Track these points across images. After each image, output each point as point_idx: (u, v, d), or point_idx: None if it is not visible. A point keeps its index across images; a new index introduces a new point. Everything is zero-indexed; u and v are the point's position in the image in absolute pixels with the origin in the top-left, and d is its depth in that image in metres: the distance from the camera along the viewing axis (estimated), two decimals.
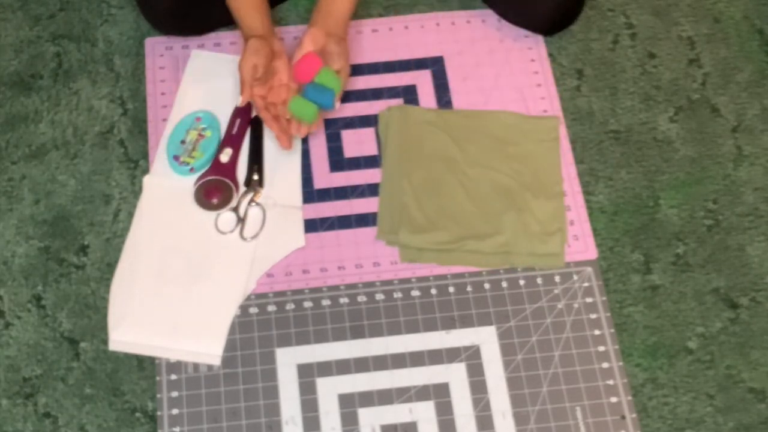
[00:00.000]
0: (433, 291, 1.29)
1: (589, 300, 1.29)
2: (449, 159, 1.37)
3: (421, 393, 1.23)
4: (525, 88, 1.46)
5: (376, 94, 1.44)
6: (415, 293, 1.29)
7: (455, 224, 1.31)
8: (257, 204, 1.34)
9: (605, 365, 1.25)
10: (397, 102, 1.43)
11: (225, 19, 1.46)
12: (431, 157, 1.37)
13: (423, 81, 1.46)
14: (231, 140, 1.37)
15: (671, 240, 1.35)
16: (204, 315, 1.26)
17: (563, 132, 1.42)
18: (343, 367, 1.24)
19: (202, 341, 1.25)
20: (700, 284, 1.32)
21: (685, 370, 1.26)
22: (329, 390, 1.23)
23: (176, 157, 1.35)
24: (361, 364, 1.24)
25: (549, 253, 1.30)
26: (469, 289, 1.30)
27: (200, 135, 1.37)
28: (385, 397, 1.23)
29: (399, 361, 1.25)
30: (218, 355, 1.24)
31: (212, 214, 1.33)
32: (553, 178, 1.36)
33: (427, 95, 1.45)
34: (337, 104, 1.33)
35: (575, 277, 1.31)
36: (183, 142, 1.36)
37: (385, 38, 1.50)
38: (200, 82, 1.43)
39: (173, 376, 1.23)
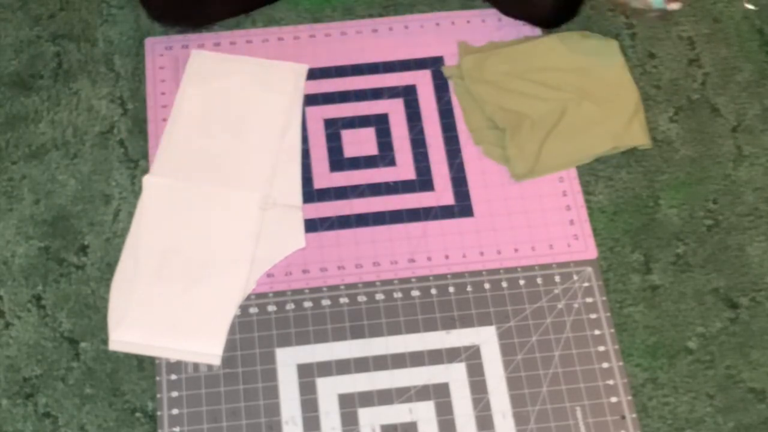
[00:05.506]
0: (433, 291, 1.29)
1: (589, 300, 1.29)
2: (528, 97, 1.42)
3: (421, 393, 1.23)
4: None
5: (376, 94, 1.45)
6: (415, 293, 1.29)
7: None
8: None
9: (605, 365, 1.25)
10: (397, 102, 1.44)
11: (226, 11, 1.46)
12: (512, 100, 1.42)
13: (423, 81, 1.46)
14: None
15: (671, 240, 1.35)
16: (204, 315, 1.26)
17: None
18: (343, 367, 1.24)
19: (202, 341, 1.25)
20: (700, 284, 1.32)
21: (685, 370, 1.26)
22: (329, 390, 1.23)
23: None
24: (361, 364, 1.24)
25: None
26: (469, 289, 1.30)
27: None
28: (385, 397, 1.23)
29: (399, 361, 1.25)
30: (218, 355, 1.24)
31: (212, 214, 1.33)
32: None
33: (427, 95, 1.45)
34: None
35: (575, 277, 1.31)
36: None
37: (385, 38, 1.49)
38: (200, 82, 1.43)
39: (173, 376, 1.23)
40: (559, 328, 1.27)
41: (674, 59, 1.50)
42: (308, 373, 1.24)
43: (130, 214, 1.34)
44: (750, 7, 1.50)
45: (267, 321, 1.27)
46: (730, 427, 1.23)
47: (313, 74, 1.46)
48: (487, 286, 1.30)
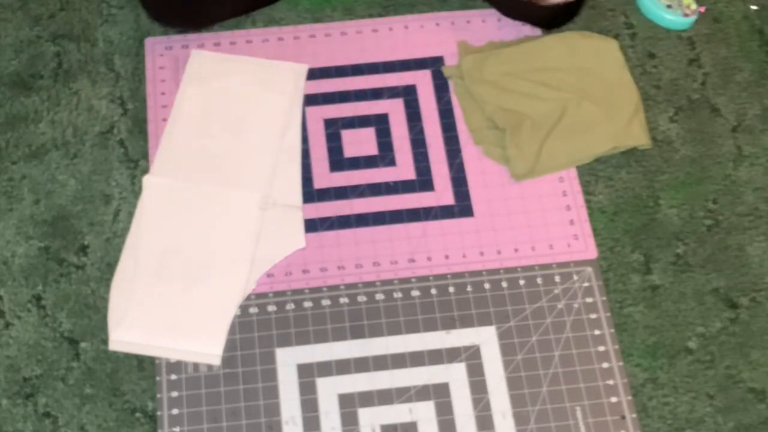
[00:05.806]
0: (433, 291, 1.29)
1: (589, 300, 1.29)
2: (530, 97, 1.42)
3: (421, 393, 1.23)
4: None
5: (376, 94, 1.45)
6: (415, 293, 1.29)
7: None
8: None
9: (605, 365, 1.25)
10: (397, 102, 1.44)
11: (226, 12, 1.46)
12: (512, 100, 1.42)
13: (423, 81, 1.46)
14: None
15: (671, 240, 1.35)
16: (204, 315, 1.26)
17: None
18: (343, 367, 1.24)
19: (202, 341, 1.25)
20: (700, 284, 1.32)
21: (685, 370, 1.26)
22: (329, 390, 1.23)
23: None
24: (361, 364, 1.24)
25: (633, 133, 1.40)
26: (469, 289, 1.30)
27: None
28: (385, 397, 1.23)
29: (399, 361, 1.25)
30: (218, 355, 1.24)
31: (212, 214, 1.33)
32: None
33: (427, 95, 1.45)
34: None
35: (575, 277, 1.31)
36: None
37: (385, 38, 1.50)
38: (200, 82, 1.43)
39: (173, 376, 1.23)
40: (559, 328, 1.27)
41: (674, 59, 1.50)
42: (308, 373, 1.24)
43: (130, 214, 1.34)
44: (754, 7, 1.50)
45: (267, 321, 1.27)
46: (730, 427, 1.23)
47: (313, 74, 1.46)
48: (487, 286, 1.30)
